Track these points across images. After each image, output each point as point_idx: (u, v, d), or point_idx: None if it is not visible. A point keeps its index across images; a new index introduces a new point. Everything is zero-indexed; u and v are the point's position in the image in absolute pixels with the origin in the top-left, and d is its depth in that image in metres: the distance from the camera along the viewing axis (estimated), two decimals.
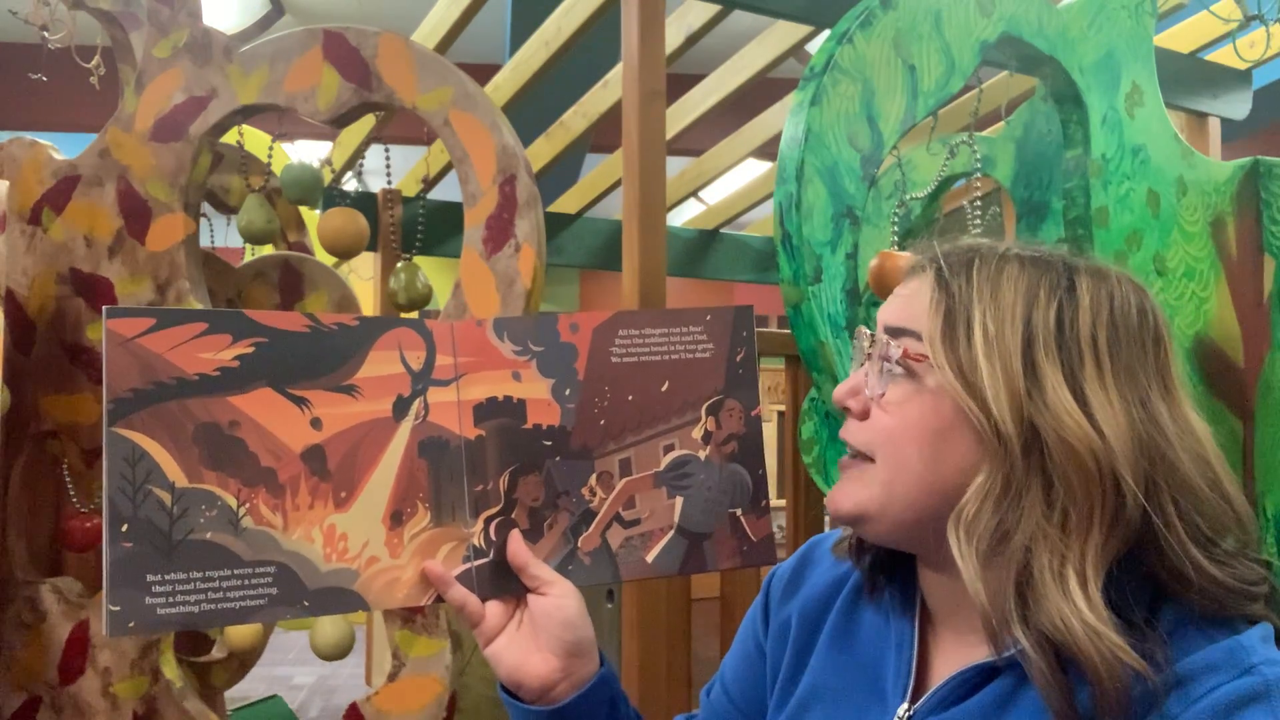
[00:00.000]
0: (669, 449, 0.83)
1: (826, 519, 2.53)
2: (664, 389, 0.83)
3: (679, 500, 0.83)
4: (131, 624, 0.69)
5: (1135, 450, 0.62)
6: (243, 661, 1.88)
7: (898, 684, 0.70)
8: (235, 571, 0.72)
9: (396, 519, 0.76)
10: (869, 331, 0.73)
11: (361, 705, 1.36)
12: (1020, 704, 0.63)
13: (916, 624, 0.72)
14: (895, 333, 0.69)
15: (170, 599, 0.70)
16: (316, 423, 0.75)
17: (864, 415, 0.70)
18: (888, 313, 0.71)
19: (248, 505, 0.73)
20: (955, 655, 0.70)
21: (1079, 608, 0.59)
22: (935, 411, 0.66)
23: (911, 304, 0.69)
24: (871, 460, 0.69)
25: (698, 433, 0.84)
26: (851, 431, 0.71)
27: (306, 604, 0.73)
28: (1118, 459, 0.61)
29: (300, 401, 0.75)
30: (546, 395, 0.81)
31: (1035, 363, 0.63)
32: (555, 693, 0.77)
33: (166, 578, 0.70)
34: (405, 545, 0.76)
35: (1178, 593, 0.62)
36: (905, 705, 0.69)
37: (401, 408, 0.78)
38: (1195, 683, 0.58)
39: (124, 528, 0.69)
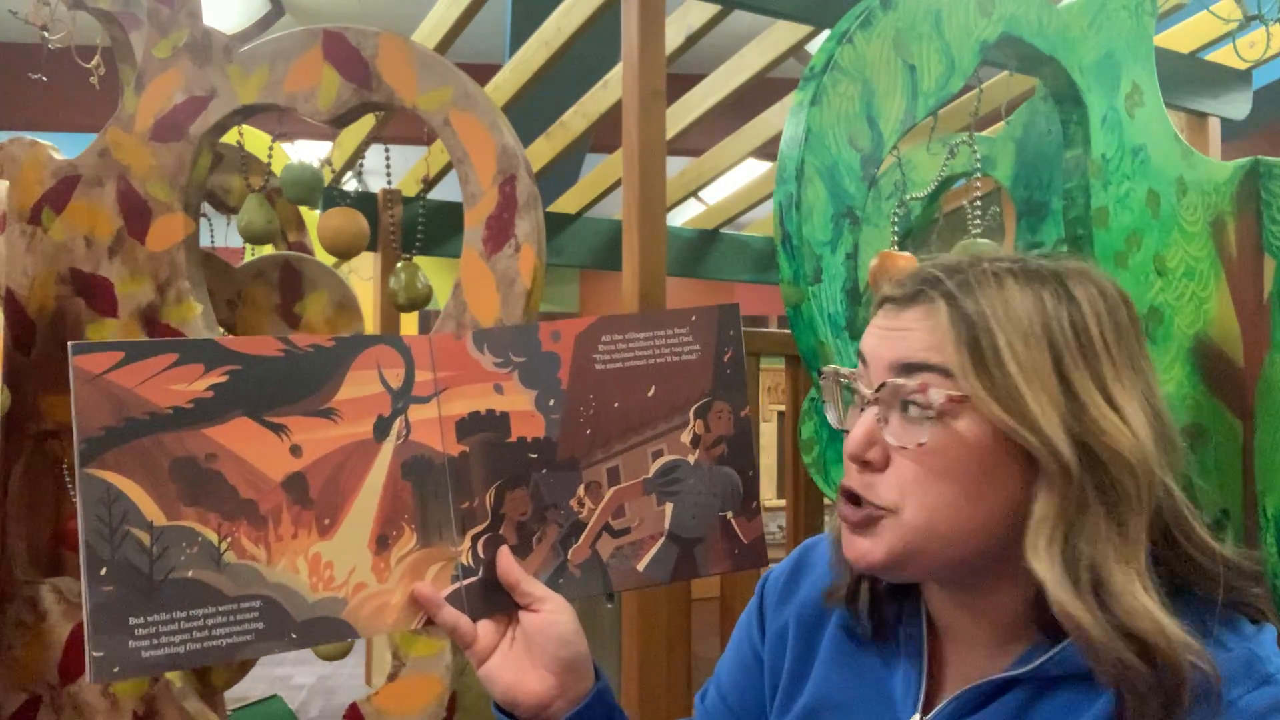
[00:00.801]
0: (658, 455, 0.81)
1: (827, 519, 2.53)
2: (650, 394, 0.81)
3: (669, 506, 0.81)
4: (116, 669, 0.67)
5: (1159, 443, 0.63)
6: (243, 661, 1.88)
7: (908, 696, 0.70)
8: (220, 608, 0.69)
9: (382, 543, 0.75)
10: (848, 370, 0.69)
11: (361, 705, 1.36)
12: (1034, 717, 0.63)
13: (925, 635, 0.71)
14: (912, 370, 0.64)
15: (154, 641, 0.68)
16: (296, 450, 0.73)
17: (884, 467, 0.65)
18: (892, 349, 0.65)
19: (229, 539, 0.71)
20: (966, 668, 0.69)
21: (1150, 609, 0.59)
22: (976, 450, 0.62)
23: (919, 337, 0.64)
24: (893, 512, 0.64)
25: (686, 437, 0.82)
26: (871, 487, 0.65)
27: (294, 636, 0.71)
28: (1151, 457, 0.62)
29: (278, 429, 0.73)
30: (530, 407, 0.79)
31: (1067, 377, 0.62)
32: (551, 710, 0.75)
33: (149, 619, 0.68)
34: (392, 569, 0.75)
35: (1195, 583, 0.62)
36: (917, 717, 0.69)
37: (382, 428, 0.76)
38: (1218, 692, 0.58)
39: (103, 571, 0.67)
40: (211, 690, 1.84)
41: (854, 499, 0.67)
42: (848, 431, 0.68)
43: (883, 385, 0.65)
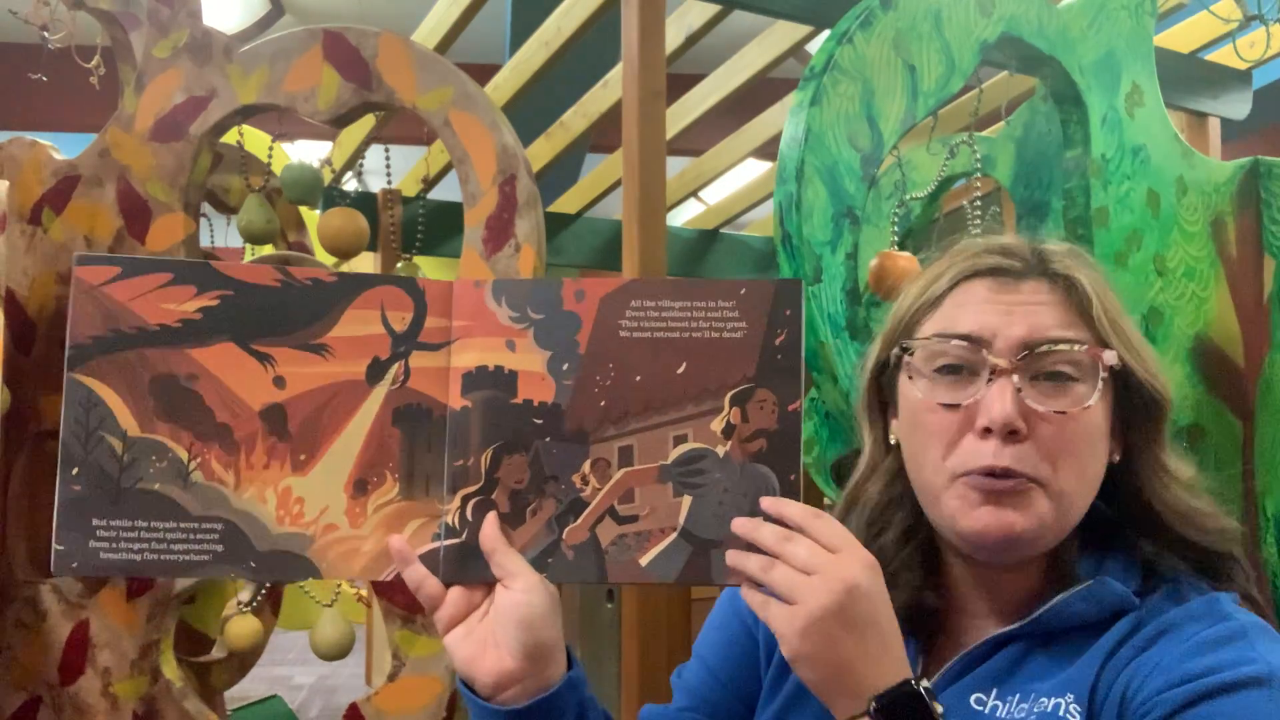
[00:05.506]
0: (680, 440, 0.73)
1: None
2: (680, 371, 0.73)
3: (687, 499, 0.72)
4: (75, 564, 0.71)
5: None
6: (243, 661, 1.88)
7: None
8: (181, 525, 0.72)
9: (360, 487, 0.74)
10: (961, 341, 0.72)
11: (361, 705, 1.36)
12: (1029, 665, 0.68)
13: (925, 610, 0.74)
14: (1054, 341, 0.69)
15: (114, 544, 0.71)
16: (280, 381, 0.74)
17: (1025, 438, 0.67)
18: (1023, 321, 0.69)
19: (199, 460, 0.73)
20: (965, 639, 0.73)
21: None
22: (1103, 412, 0.70)
23: (1050, 311, 0.70)
24: (1042, 483, 0.67)
25: (718, 425, 0.73)
26: (1022, 458, 0.67)
27: (253, 564, 0.72)
28: None
29: (264, 358, 0.74)
30: (541, 369, 0.74)
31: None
32: (508, 695, 0.71)
33: (111, 523, 0.71)
34: (369, 516, 0.74)
35: (1182, 533, 0.71)
36: None
37: (376, 371, 0.74)
38: (1181, 629, 0.66)
39: (74, 470, 0.71)
40: (211, 690, 1.84)
41: (994, 473, 0.67)
42: (954, 405, 0.69)
43: (1024, 354, 0.68)
